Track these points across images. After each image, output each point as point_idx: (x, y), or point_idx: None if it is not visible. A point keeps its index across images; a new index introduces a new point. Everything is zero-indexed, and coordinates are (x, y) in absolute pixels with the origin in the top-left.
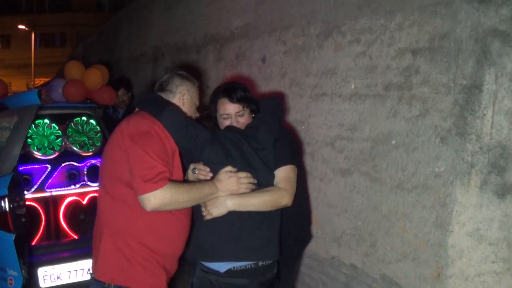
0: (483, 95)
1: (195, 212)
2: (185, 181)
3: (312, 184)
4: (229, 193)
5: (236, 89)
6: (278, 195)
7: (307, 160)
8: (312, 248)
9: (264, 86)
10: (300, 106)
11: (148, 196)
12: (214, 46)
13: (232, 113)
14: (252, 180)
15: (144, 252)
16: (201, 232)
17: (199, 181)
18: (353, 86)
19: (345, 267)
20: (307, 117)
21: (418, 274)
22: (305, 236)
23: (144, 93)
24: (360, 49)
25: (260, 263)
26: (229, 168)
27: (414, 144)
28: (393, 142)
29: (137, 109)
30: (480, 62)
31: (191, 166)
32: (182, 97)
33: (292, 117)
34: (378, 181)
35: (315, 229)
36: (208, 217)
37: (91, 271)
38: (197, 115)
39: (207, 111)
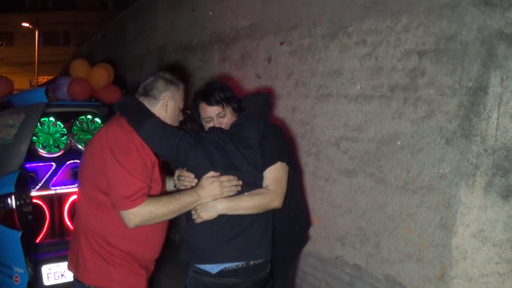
0: (489, 97)
1: (187, 214)
2: (165, 193)
3: (317, 184)
4: (213, 198)
5: (213, 91)
6: (268, 198)
7: (312, 161)
8: (316, 247)
9: (270, 86)
10: (305, 106)
11: (128, 214)
12: (220, 46)
13: (212, 116)
14: (236, 182)
15: (121, 254)
16: (192, 235)
17: (180, 190)
18: (358, 87)
19: (349, 267)
20: (312, 117)
21: (422, 275)
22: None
23: (125, 95)
24: (366, 50)
25: (251, 262)
26: (211, 173)
27: (419, 146)
28: (398, 143)
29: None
30: (485, 64)
31: (176, 173)
32: (166, 103)
33: (298, 118)
34: (383, 181)
35: (319, 229)
36: (198, 220)
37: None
38: (181, 118)
39: (190, 113)
